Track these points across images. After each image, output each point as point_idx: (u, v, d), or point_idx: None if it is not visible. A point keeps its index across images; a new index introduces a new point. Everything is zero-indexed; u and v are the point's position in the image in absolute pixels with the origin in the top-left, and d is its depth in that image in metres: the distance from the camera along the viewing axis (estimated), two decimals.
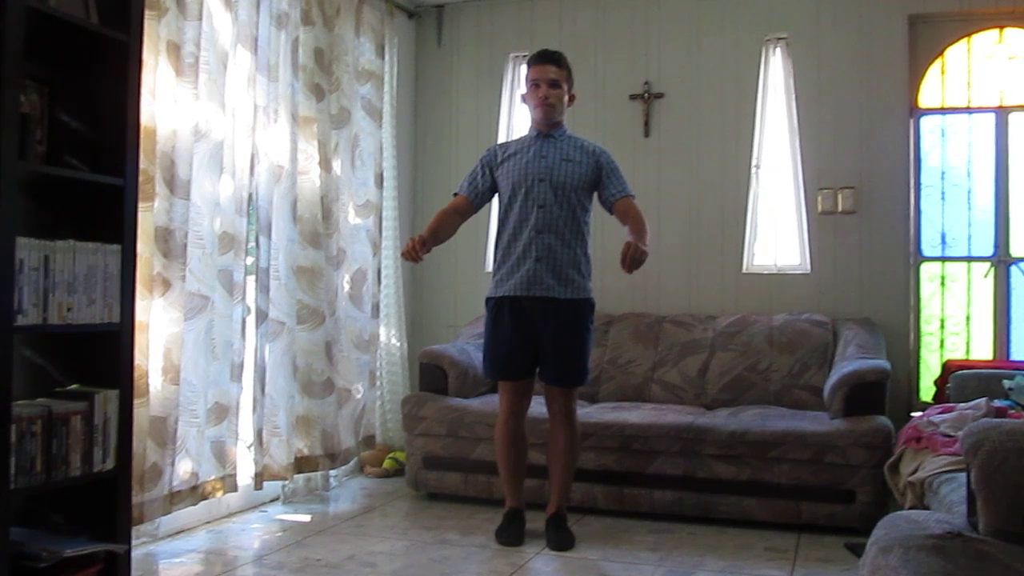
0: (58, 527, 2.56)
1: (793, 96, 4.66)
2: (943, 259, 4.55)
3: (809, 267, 4.62)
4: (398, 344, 4.82)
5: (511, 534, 3.46)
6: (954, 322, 4.53)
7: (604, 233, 4.26)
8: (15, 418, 2.27)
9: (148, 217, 3.15)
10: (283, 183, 3.90)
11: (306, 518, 3.82)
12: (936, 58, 4.56)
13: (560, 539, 3.40)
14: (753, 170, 4.72)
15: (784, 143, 4.70)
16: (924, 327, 4.56)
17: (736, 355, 4.32)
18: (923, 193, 4.58)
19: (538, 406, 3.64)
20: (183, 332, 3.33)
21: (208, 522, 3.66)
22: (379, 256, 4.59)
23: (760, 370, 4.26)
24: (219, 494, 3.60)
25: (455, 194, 3.66)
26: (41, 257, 2.36)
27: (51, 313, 2.39)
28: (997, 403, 3.26)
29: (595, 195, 3.56)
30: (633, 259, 3.20)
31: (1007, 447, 1.87)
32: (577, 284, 3.45)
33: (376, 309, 4.55)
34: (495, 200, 3.65)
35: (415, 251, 3.34)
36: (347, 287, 4.38)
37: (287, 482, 4.01)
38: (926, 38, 4.55)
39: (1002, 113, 4.48)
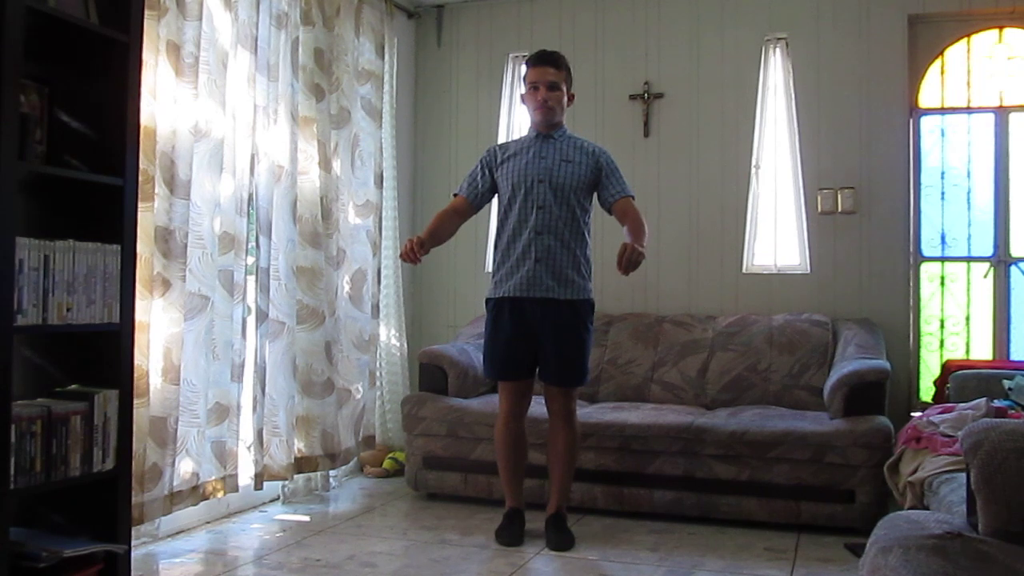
0: (58, 527, 2.56)
1: (793, 96, 4.66)
2: (943, 259, 4.55)
3: (809, 267, 4.62)
4: (398, 344, 4.81)
5: (511, 534, 3.46)
6: (954, 322, 4.53)
7: (604, 234, 4.26)
8: (15, 418, 2.27)
9: (148, 217, 3.15)
10: (283, 183, 3.90)
11: (306, 518, 3.82)
12: (936, 58, 4.56)
13: (560, 539, 3.40)
14: (753, 170, 4.72)
15: (784, 143, 4.70)
16: (924, 327, 4.56)
17: (736, 355, 4.32)
18: (923, 193, 4.58)
19: (538, 406, 3.64)
20: (183, 332, 3.33)
21: (208, 522, 3.66)
22: (379, 256, 4.59)
23: (760, 370, 4.26)
24: (219, 494, 3.60)
25: (455, 195, 3.66)
26: (41, 257, 2.36)
27: (51, 313, 2.39)
28: (997, 403, 3.26)
29: (595, 195, 3.56)
30: (629, 261, 3.19)
31: (1007, 447, 1.87)
32: (576, 285, 3.45)
33: (376, 309, 4.55)
34: (495, 200, 3.65)
35: (413, 253, 3.34)
36: (347, 287, 4.39)
37: (287, 482, 4.01)
38: (926, 38, 4.56)
39: (1002, 113, 4.48)
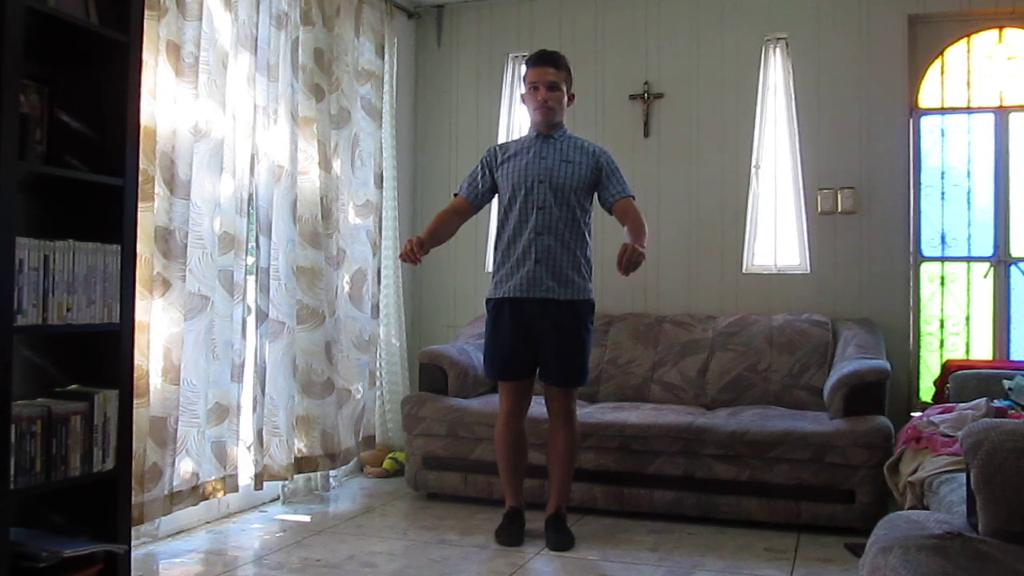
0: (58, 527, 2.56)
1: (793, 96, 4.66)
2: (943, 259, 4.55)
3: (809, 267, 4.62)
4: (398, 344, 4.82)
5: (511, 534, 3.46)
6: (954, 322, 4.53)
7: (604, 234, 4.25)
8: (15, 418, 2.27)
9: (148, 217, 3.15)
10: (283, 183, 3.90)
11: (306, 518, 3.82)
12: (936, 58, 4.56)
13: (560, 539, 3.40)
14: (753, 170, 4.72)
15: (784, 143, 4.70)
16: (924, 327, 4.56)
17: (736, 355, 4.32)
18: (923, 193, 4.58)
19: (538, 406, 3.64)
20: (183, 332, 3.33)
21: (208, 522, 3.66)
22: (379, 256, 4.59)
23: (760, 370, 4.26)
24: (219, 494, 3.60)
25: (455, 195, 3.66)
26: (41, 257, 2.36)
27: (51, 313, 2.38)
28: (997, 403, 3.26)
29: (595, 195, 3.56)
30: (629, 261, 3.19)
31: (1007, 447, 1.87)
32: (577, 285, 3.45)
33: (376, 309, 4.55)
34: (495, 200, 3.65)
35: (413, 253, 3.34)
36: (347, 287, 4.39)
37: (287, 482, 4.01)
38: (926, 38, 4.56)
39: (1002, 113, 4.48)
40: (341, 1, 4.30)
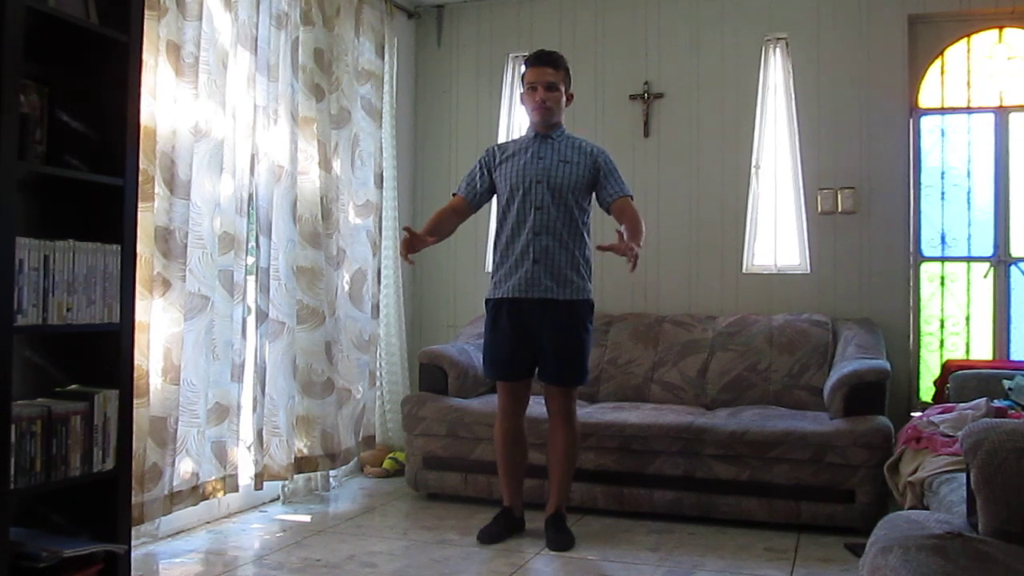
0: (58, 527, 2.56)
1: (793, 96, 4.66)
2: (943, 259, 4.55)
3: (809, 267, 4.62)
4: (398, 344, 4.82)
5: (490, 533, 3.47)
6: (954, 322, 4.53)
7: (604, 234, 4.24)
8: (15, 418, 2.27)
9: (148, 217, 3.15)
10: (283, 183, 3.90)
11: (306, 518, 3.82)
12: (936, 58, 4.56)
13: (560, 539, 3.40)
14: (753, 170, 4.72)
15: (784, 143, 4.70)
16: (924, 327, 4.56)
17: (736, 355, 4.32)
18: (923, 193, 4.58)
19: (538, 406, 3.64)
20: (183, 332, 3.33)
21: (208, 522, 3.66)
22: (379, 256, 4.59)
23: (760, 370, 4.26)
24: (219, 494, 3.60)
25: (454, 194, 3.67)
26: (41, 257, 2.36)
27: (51, 313, 2.38)
28: (997, 403, 3.26)
29: (594, 195, 3.56)
30: (621, 253, 3.20)
31: (1007, 447, 1.87)
32: (575, 285, 3.45)
33: (376, 309, 4.55)
34: (495, 199, 3.65)
35: (409, 241, 3.33)
36: (347, 287, 4.39)
37: (287, 482, 4.01)
38: (926, 38, 4.56)
39: (1002, 113, 4.48)
40: (341, 1, 4.30)
